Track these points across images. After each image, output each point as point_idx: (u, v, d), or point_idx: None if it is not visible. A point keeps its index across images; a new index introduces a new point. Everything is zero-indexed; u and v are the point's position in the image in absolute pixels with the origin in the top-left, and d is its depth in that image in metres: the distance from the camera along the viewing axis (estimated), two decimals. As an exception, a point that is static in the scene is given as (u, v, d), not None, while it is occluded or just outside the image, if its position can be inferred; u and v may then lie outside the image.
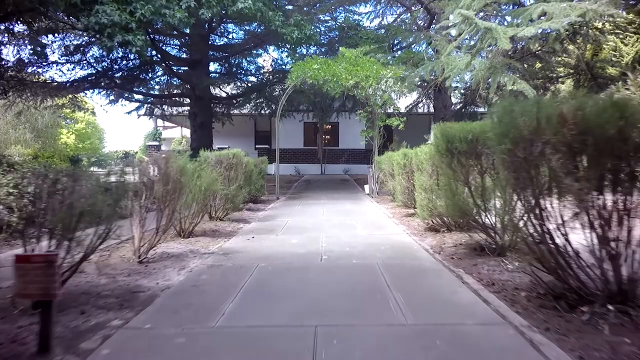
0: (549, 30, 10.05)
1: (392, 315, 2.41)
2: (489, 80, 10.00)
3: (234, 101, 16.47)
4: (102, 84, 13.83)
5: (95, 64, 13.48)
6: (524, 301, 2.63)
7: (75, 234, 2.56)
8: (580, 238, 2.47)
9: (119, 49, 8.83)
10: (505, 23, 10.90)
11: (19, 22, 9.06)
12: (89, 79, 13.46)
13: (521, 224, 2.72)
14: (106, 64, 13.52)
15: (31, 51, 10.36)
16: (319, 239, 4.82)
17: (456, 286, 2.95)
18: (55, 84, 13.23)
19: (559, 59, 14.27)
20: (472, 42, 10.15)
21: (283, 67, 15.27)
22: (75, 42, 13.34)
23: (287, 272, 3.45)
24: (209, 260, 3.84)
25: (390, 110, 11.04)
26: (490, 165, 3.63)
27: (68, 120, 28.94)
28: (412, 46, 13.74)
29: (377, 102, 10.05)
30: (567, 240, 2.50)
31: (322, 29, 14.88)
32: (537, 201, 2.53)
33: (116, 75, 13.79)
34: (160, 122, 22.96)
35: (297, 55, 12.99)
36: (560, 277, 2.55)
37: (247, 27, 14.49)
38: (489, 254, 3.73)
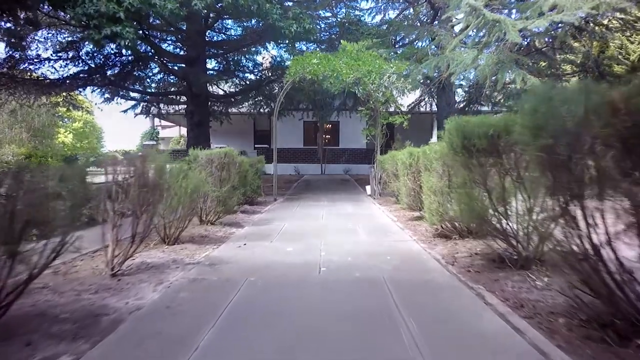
0: (559, 26, 9.59)
1: (406, 352, 1.94)
2: (494, 77, 9.54)
3: (232, 99, 15.99)
4: (96, 81, 13.37)
5: (88, 60, 13.04)
6: (563, 330, 2.17)
7: (19, 249, 2.11)
8: (628, 254, 2.03)
9: (109, 42, 8.37)
10: (512, 18, 10.44)
11: (3, 16, 8.62)
12: (81, 75, 13.01)
13: (559, 235, 2.26)
14: (99, 61, 13.07)
15: (6, 43, 9.88)
16: (317, 247, 4.37)
17: (479, 309, 2.49)
18: (48, 81, 12.79)
19: (564, 56, 13.84)
20: (478, 38, 9.70)
21: (282, 64, 14.83)
22: (68, 39, 12.93)
23: (280, 288, 2.99)
24: (191, 273, 3.39)
25: (392, 109, 10.57)
26: (513, 164, 3.16)
27: (66, 120, 28.52)
28: (415, 42, 13.29)
29: (379, 99, 9.58)
30: (616, 256, 2.05)
31: (322, 25, 14.42)
32: (582, 208, 2.07)
33: (109, 72, 13.34)
34: (158, 121, 22.50)
35: (296, 51, 12.55)
36: (610, 301, 2.09)
37: (244, 24, 14.03)
38: (511, 267, 3.27)
